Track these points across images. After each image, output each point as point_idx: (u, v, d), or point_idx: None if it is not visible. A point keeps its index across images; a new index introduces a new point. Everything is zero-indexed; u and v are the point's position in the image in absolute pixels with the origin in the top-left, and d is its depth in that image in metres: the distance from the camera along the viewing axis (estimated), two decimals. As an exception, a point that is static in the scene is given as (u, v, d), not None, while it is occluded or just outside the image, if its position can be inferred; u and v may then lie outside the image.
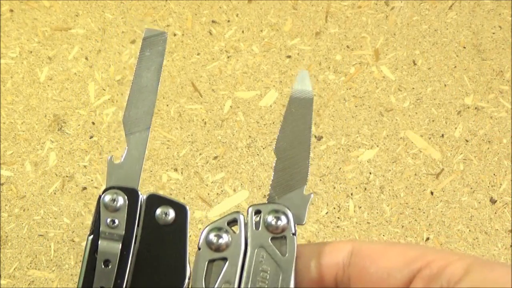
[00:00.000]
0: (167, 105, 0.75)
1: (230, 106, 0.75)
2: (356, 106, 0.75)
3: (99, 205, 0.28)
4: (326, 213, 0.70)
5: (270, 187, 0.30)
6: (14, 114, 0.75)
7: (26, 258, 0.67)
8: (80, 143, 0.73)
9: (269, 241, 0.28)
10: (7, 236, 0.68)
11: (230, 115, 0.74)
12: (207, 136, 0.73)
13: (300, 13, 0.81)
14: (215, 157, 0.72)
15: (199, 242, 0.28)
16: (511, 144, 0.73)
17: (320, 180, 0.71)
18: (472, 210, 0.70)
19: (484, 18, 0.81)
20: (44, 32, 0.79)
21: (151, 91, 0.31)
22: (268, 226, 0.28)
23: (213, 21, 0.80)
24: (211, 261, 0.28)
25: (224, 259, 0.28)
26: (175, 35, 0.79)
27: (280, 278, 0.28)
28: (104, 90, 0.76)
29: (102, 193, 0.28)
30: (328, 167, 0.72)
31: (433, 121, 0.75)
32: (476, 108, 0.75)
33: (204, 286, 0.28)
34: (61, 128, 0.74)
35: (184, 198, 0.70)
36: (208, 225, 0.28)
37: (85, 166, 0.72)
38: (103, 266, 0.27)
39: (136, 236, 0.28)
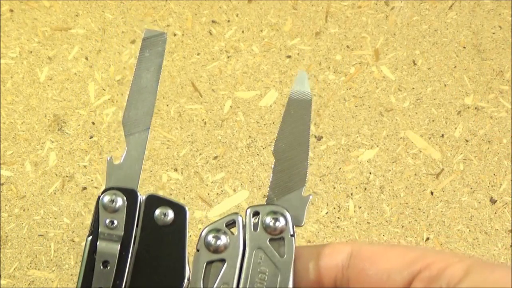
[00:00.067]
0: (167, 105, 0.75)
1: (230, 106, 0.75)
2: (356, 106, 0.75)
3: (98, 206, 0.28)
4: (326, 213, 0.70)
5: (268, 189, 0.30)
6: (14, 114, 0.75)
7: (26, 258, 0.67)
8: (80, 143, 0.73)
9: (267, 242, 0.28)
10: (7, 236, 0.68)
11: (230, 115, 0.74)
12: (207, 136, 0.73)
13: (300, 13, 0.81)
14: (215, 157, 0.72)
15: (197, 244, 0.28)
16: (511, 144, 0.73)
17: (320, 180, 0.71)
18: (472, 210, 0.70)
19: (484, 18, 0.81)
20: (44, 32, 0.79)
21: (150, 92, 0.31)
22: (266, 228, 0.28)
23: (213, 21, 0.80)
24: (210, 263, 0.28)
25: (223, 261, 0.28)
26: (175, 35, 0.79)
27: (279, 279, 0.28)
28: (104, 90, 0.76)
29: (101, 194, 0.28)
30: (328, 167, 0.72)
31: (433, 121, 0.74)
32: (476, 108, 0.75)
33: (202, 287, 0.28)
34: (61, 128, 0.74)
35: (184, 198, 0.70)
36: (207, 226, 0.28)
37: (85, 166, 0.72)
38: (102, 267, 0.27)
39: (135, 236, 0.28)
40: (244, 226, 0.28)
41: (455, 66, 0.78)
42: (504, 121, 0.74)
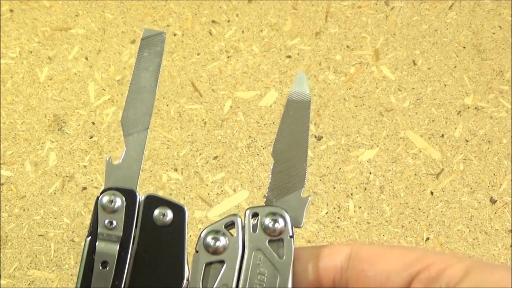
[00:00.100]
0: (167, 105, 0.75)
1: (230, 106, 0.75)
2: (356, 106, 0.75)
3: (97, 206, 0.28)
4: (326, 213, 0.69)
5: (267, 190, 0.30)
6: (14, 114, 0.75)
7: (26, 258, 0.67)
8: (80, 143, 0.73)
9: (267, 243, 0.28)
10: (7, 236, 0.68)
11: (230, 115, 0.74)
12: (207, 136, 0.73)
13: (300, 13, 0.81)
14: (215, 157, 0.72)
15: (196, 245, 0.28)
16: (511, 144, 0.73)
17: (320, 180, 0.71)
18: (472, 210, 0.70)
19: (484, 18, 0.81)
20: (44, 32, 0.79)
21: (149, 92, 0.31)
22: (265, 229, 0.28)
23: (213, 21, 0.80)
24: (209, 264, 0.28)
25: (222, 262, 0.28)
26: (175, 35, 0.79)
27: (278, 281, 0.28)
28: (104, 90, 0.76)
29: (100, 195, 0.28)
30: (328, 167, 0.72)
31: (433, 121, 0.74)
32: (476, 108, 0.75)
33: None
34: (61, 128, 0.74)
35: (184, 198, 0.70)
36: (206, 227, 0.28)
37: (85, 166, 0.72)
38: (101, 268, 0.27)
39: (134, 237, 0.28)
40: (243, 228, 0.28)
41: (455, 66, 0.78)
42: (504, 121, 0.74)
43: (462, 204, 0.70)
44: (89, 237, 0.28)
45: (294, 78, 0.31)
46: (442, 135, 0.74)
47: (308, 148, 0.30)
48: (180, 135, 0.73)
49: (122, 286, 0.28)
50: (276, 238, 0.28)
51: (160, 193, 0.69)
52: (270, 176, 0.30)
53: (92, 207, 0.69)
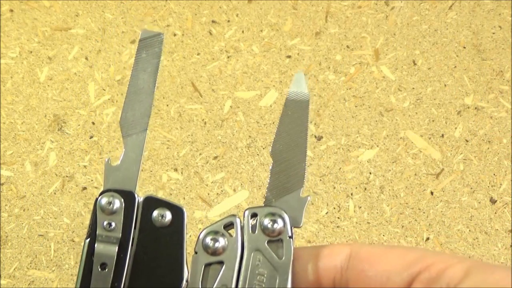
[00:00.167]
0: (167, 105, 0.75)
1: (230, 106, 0.75)
2: (356, 106, 0.75)
3: (96, 208, 0.28)
4: (326, 213, 0.69)
5: (266, 190, 0.30)
6: (14, 114, 0.75)
7: (26, 258, 0.67)
8: (80, 143, 0.73)
9: (266, 244, 0.28)
10: (7, 236, 0.68)
11: (230, 115, 0.74)
12: (207, 136, 0.73)
13: (300, 13, 0.81)
14: (215, 157, 0.72)
15: (195, 246, 0.28)
16: (511, 144, 0.73)
17: (320, 180, 0.71)
18: (472, 210, 0.70)
19: (484, 18, 0.81)
20: (44, 32, 0.79)
21: (147, 93, 0.30)
22: (264, 229, 0.28)
23: (213, 21, 0.80)
24: (208, 265, 0.28)
25: (221, 263, 0.28)
26: (175, 35, 0.79)
27: (277, 281, 0.27)
28: (104, 90, 0.76)
29: (99, 196, 0.28)
30: (328, 167, 0.72)
31: (433, 121, 0.74)
32: (476, 108, 0.75)
33: None
34: (61, 128, 0.74)
35: (184, 198, 0.70)
36: (205, 228, 0.28)
37: (85, 166, 0.72)
38: (99, 269, 0.27)
39: (133, 238, 0.28)
40: (242, 228, 0.28)
41: (455, 66, 0.78)
42: (504, 121, 0.74)
43: (462, 204, 0.70)
44: (88, 239, 0.28)
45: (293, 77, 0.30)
46: (442, 135, 0.74)
47: (307, 147, 0.30)
48: (180, 135, 0.73)
49: (121, 287, 0.28)
50: (275, 239, 0.28)
51: (160, 193, 0.69)
52: (269, 175, 0.30)
53: (92, 207, 0.69)
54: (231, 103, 0.75)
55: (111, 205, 0.28)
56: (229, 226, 0.29)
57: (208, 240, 0.28)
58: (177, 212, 0.29)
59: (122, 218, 0.28)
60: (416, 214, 0.70)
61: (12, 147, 0.73)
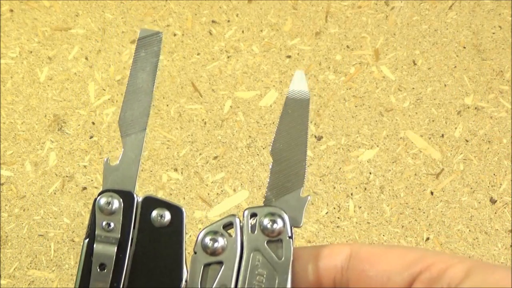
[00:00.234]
0: (167, 105, 0.75)
1: (230, 106, 0.75)
2: (356, 106, 0.75)
3: (94, 208, 0.28)
4: (326, 213, 0.69)
5: (266, 189, 0.29)
6: (14, 114, 0.75)
7: (26, 258, 0.67)
8: (80, 143, 0.73)
9: (265, 244, 0.28)
10: (7, 236, 0.68)
11: (230, 115, 0.74)
12: (207, 136, 0.73)
13: (300, 13, 0.81)
14: (215, 157, 0.72)
15: (194, 246, 0.28)
16: (511, 144, 0.73)
17: (320, 180, 0.71)
18: (472, 210, 0.70)
19: (484, 18, 0.81)
20: (44, 32, 0.79)
21: (146, 92, 0.30)
22: (264, 229, 0.28)
23: (213, 21, 0.80)
24: (207, 265, 0.28)
25: (220, 263, 0.28)
26: (175, 35, 0.79)
27: (277, 281, 0.27)
28: (104, 90, 0.76)
29: (97, 196, 0.28)
30: (328, 167, 0.72)
31: (433, 121, 0.74)
32: (476, 108, 0.75)
33: None
34: (61, 128, 0.74)
35: (184, 198, 0.70)
36: (204, 228, 0.28)
37: (85, 166, 0.72)
38: (98, 270, 0.27)
39: (132, 239, 0.28)
40: (241, 228, 0.28)
41: (455, 66, 0.78)
42: (504, 121, 0.74)
43: (462, 204, 0.70)
44: (87, 239, 0.28)
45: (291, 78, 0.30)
46: (442, 135, 0.74)
47: (307, 147, 0.30)
48: (180, 135, 0.73)
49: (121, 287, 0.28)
50: (275, 239, 0.28)
51: (160, 193, 0.69)
52: (269, 175, 0.30)
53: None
54: (231, 103, 0.75)
55: (110, 205, 0.28)
56: (228, 226, 0.28)
57: (207, 240, 0.28)
58: (176, 212, 0.29)
59: (121, 218, 0.28)
60: (416, 214, 0.70)
61: (12, 147, 0.73)
